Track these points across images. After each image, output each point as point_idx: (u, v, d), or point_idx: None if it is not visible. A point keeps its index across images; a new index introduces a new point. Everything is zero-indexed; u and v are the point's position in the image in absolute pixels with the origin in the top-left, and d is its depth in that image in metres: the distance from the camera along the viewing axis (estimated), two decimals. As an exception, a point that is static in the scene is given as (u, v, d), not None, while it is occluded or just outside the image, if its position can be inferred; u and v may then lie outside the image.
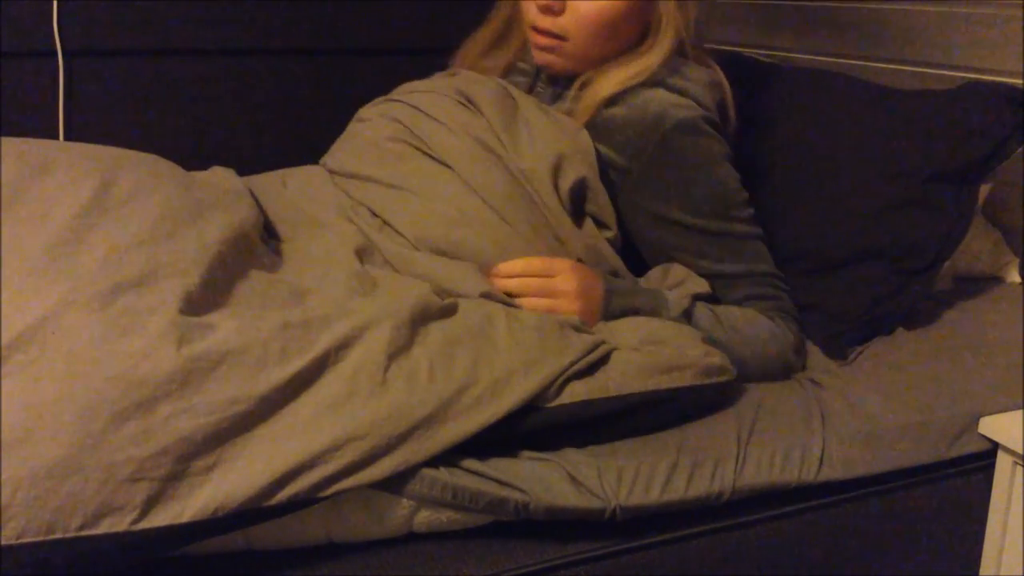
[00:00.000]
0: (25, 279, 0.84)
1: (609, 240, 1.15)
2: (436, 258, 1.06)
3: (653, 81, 1.16)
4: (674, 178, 1.13)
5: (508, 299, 1.04)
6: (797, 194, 1.30)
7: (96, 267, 0.86)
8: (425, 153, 1.13)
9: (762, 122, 1.36)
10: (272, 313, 0.88)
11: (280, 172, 1.24)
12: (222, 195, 1.05)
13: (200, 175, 1.14)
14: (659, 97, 1.14)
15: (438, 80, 1.26)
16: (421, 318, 0.92)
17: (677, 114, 1.12)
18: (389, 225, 1.10)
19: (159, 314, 0.83)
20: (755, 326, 1.12)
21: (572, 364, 0.93)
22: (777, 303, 1.16)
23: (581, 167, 1.11)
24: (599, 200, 1.13)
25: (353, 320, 0.89)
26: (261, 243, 1.03)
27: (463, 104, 1.16)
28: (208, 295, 0.89)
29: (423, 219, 1.08)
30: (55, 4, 1.62)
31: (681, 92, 1.15)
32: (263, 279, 0.96)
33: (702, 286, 1.13)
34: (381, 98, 1.25)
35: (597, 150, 1.14)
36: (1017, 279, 1.47)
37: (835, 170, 1.29)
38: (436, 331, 0.92)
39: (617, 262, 1.15)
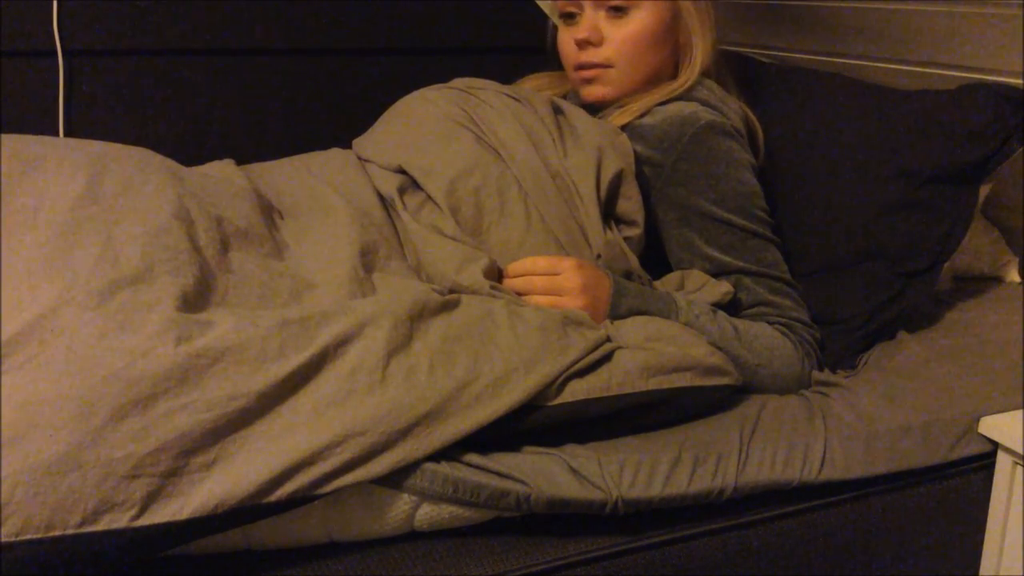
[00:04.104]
0: (21, 276, 0.84)
1: (633, 239, 1.16)
2: (455, 244, 1.08)
3: (686, 97, 1.23)
4: (704, 171, 1.17)
5: (514, 296, 1.05)
6: (797, 194, 1.30)
7: (92, 263, 0.86)
8: (478, 137, 1.15)
9: (762, 123, 1.36)
10: (271, 309, 0.88)
11: (305, 157, 1.25)
12: (217, 187, 1.04)
13: (196, 168, 1.13)
14: (691, 106, 1.21)
15: (489, 82, 1.28)
16: (420, 315, 0.92)
17: (708, 116, 1.18)
18: (430, 200, 1.12)
19: (156, 311, 0.83)
20: (770, 341, 1.12)
21: (573, 363, 0.93)
22: (793, 320, 1.16)
23: (620, 160, 1.15)
24: (631, 195, 1.16)
25: (353, 317, 0.89)
26: (261, 235, 1.02)
27: (515, 99, 1.20)
28: (205, 291, 0.89)
29: (456, 177, 1.10)
30: (55, 4, 1.62)
31: (713, 107, 1.21)
32: (263, 274, 0.95)
33: (719, 294, 1.13)
34: (436, 85, 1.28)
35: (634, 149, 1.19)
36: (1017, 279, 1.47)
37: (835, 170, 1.29)
38: (436, 328, 0.92)
39: (634, 262, 1.15)
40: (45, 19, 1.62)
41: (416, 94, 1.25)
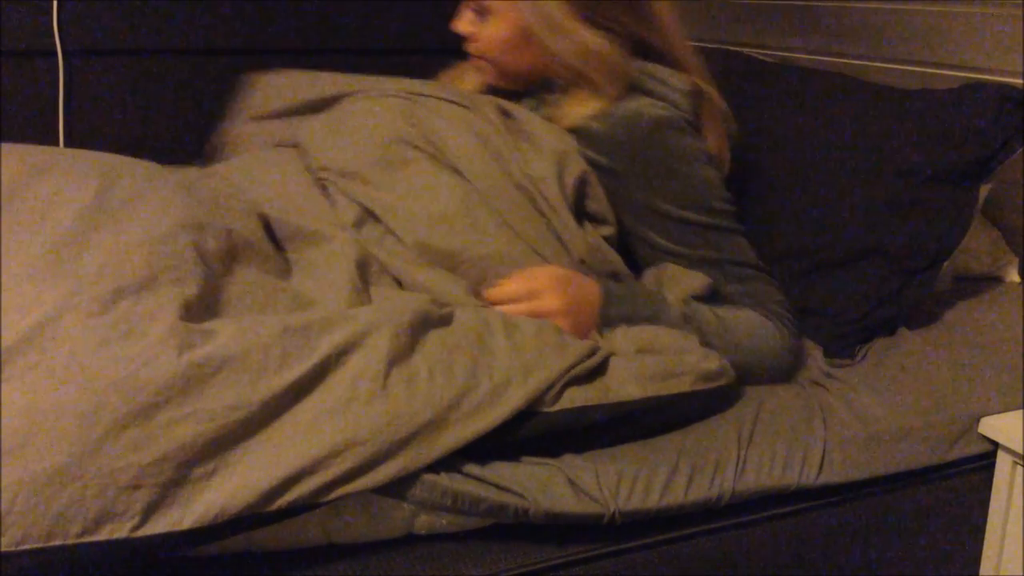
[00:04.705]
0: (25, 282, 0.84)
1: (610, 238, 1.15)
2: (433, 272, 1.06)
3: (627, 94, 1.18)
4: (656, 171, 1.15)
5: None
6: (797, 193, 1.30)
7: (96, 271, 0.85)
8: (432, 156, 1.12)
9: (762, 122, 1.36)
10: (272, 318, 0.88)
11: (244, 160, 1.22)
12: (224, 200, 1.04)
13: (200, 182, 1.12)
14: (635, 102, 1.17)
15: (433, 83, 1.27)
16: (421, 324, 0.92)
17: (655, 112, 1.15)
18: (391, 233, 1.09)
19: (159, 320, 0.82)
20: (753, 326, 1.12)
21: (570, 368, 0.93)
22: (770, 301, 1.16)
23: (581, 163, 1.14)
24: (598, 195, 1.15)
25: (354, 326, 0.88)
26: (267, 253, 1.02)
27: (464, 106, 1.17)
28: (208, 300, 0.89)
29: (425, 227, 1.08)
30: (55, 4, 1.62)
31: (660, 97, 1.18)
32: (267, 286, 0.95)
33: (698, 285, 1.13)
34: (375, 87, 1.25)
35: (586, 154, 1.16)
36: (1017, 279, 1.46)
37: (835, 170, 1.29)
38: (435, 338, 0.92)
39: (617, 261, 1.15)
40: (45, 19, 1.62)
41: (360, 106, 1.21)
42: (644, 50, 1.22)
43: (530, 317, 1.03)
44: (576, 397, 0.92)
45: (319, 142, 1.18)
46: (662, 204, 1.15)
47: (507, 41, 1.22)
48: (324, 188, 1.14)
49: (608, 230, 1.15)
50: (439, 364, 0.89)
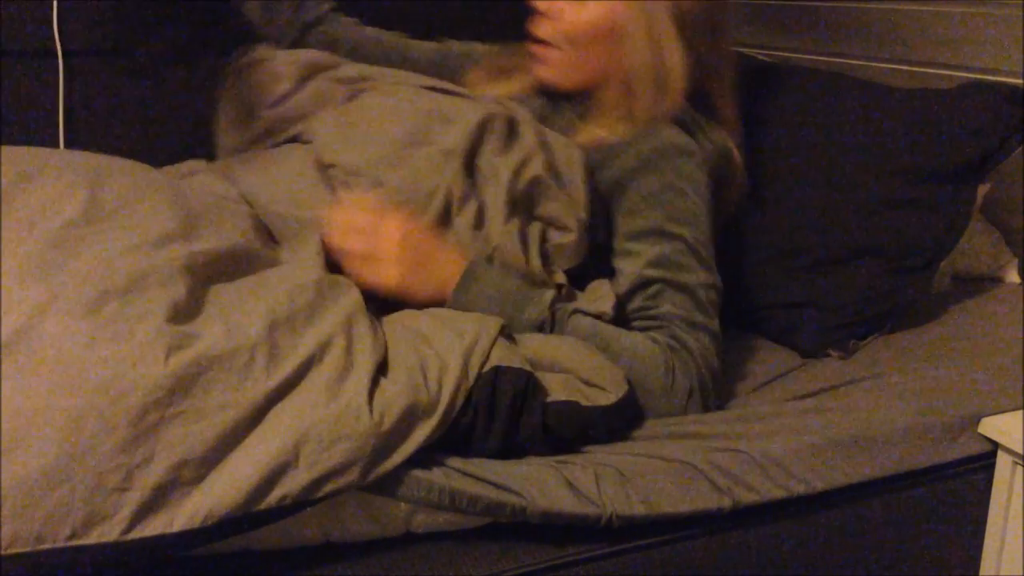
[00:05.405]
0: (10, 284, 0.83)
1: (565, 245, 1.10)
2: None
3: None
4: (660, 184, 1.13)
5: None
6: (796, 192, 1.30)
7: (83, 274, 0.85)
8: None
9: (762, 122, 1.36)
10: (259, 309, 0.87)
11: (264, 155, 1.20)
12: (215, 204, 1.03)
13: (193, 182, 1.11)
14: (668, 129, 1.16)
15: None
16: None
17: (681, 139, 1.15)
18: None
19: (146, 321, 0.82)
20: (634, 350, 1.04)
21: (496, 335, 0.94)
22: (689, 340, 1.07)
23: (543, 167, 1.10)
24: (558, 196, 1.11)
25: (337, 314, 0.89)
26: (253, 248, 1.01)
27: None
28: (197, 302, 0.88)
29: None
30: (55, 4, 1.62)
31: (688, 131, 1.17)
32: (253, 289, 0.95)
33: (606, 306, 1.08)
34: (383, 76, 1.23)
35: (602, 169, 1.16)
36: (1017, 279, 1.47)
37: (834, 169, 1.29)
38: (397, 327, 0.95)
39: (534, 262, 1.09)
40: (45, 19, 1.62)
41: (375, 100, 1.19)
42: (697, 95, 1.21)
43: (361, 252, 1.01)
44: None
45: (330, 139, 1.17)
46: (657, 218, 1.12)
47: (592, 31, 1.17)
48: (332, 184, 1.12)
49: (567, 238, 1.11)
50: (394, 357, 0.90)
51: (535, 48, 1.22)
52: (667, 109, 1.18)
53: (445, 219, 1.08)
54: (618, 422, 0.99)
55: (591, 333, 1.04)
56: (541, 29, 1.20)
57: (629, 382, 1.00)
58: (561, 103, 1.26)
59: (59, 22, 1.64)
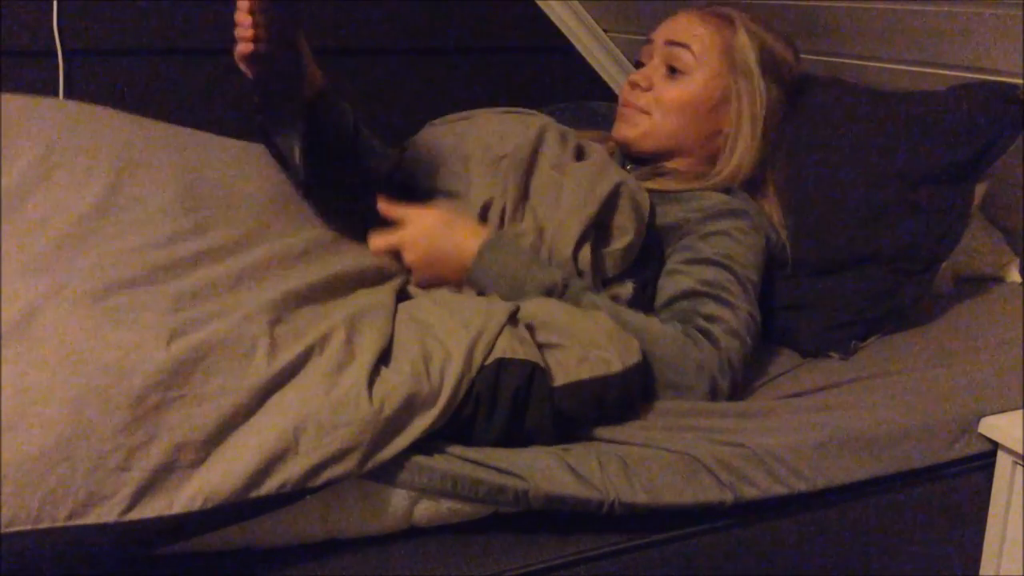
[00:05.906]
0: (19, 275, 0.85)
1: (629, 246, 1.13)
2: None
3: (722, 190, 1.25)
4: (720, 230, 1.18)
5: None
6: (795, 195, 1.30)
7: (89, 268, 0.87)
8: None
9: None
10: (263, 301, 0.89)
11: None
12: (234, 201, 1.04)
13: (222, 175, 1.11)
14: (723, 194, 1.24)
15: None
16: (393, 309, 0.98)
17: (736, 204, 1.21)
18: None
19: (151, 310, 0.83)
20: (647, 326, 1.06)
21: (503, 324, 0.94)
22: (719, 341, 1.08)
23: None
24: (625, 208, 1.15)
25: (342, 310, 0.90)
26: (267, 236, 1.02)
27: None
28: (204, 292, 0.89)
29: None
30: (55, 4, 1.62)
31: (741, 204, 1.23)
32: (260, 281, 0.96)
33: (622, 290, 1.13)
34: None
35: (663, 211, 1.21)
36: (1017, 279, 1.47)
37: (832, 174, 1.29)
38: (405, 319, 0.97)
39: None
40: (45, 19, 1.62)
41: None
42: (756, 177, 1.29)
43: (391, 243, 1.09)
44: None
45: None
46: (710, 252, 1.16)
47: (695, 104, 1.26)
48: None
49: (626, 239, 1.14)
50: (397, 348, 0.91)
51: (622, 109, 1.30)
52: (732, 182, 1.26)
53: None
54: (633, 390, 0.99)
55: (605, 307, 1.06)
56: (638, 98, 1.28)
57: (643, 352, 1.00)
58: (626, 163, 1.33)
59: (59, 22, 1.64)
